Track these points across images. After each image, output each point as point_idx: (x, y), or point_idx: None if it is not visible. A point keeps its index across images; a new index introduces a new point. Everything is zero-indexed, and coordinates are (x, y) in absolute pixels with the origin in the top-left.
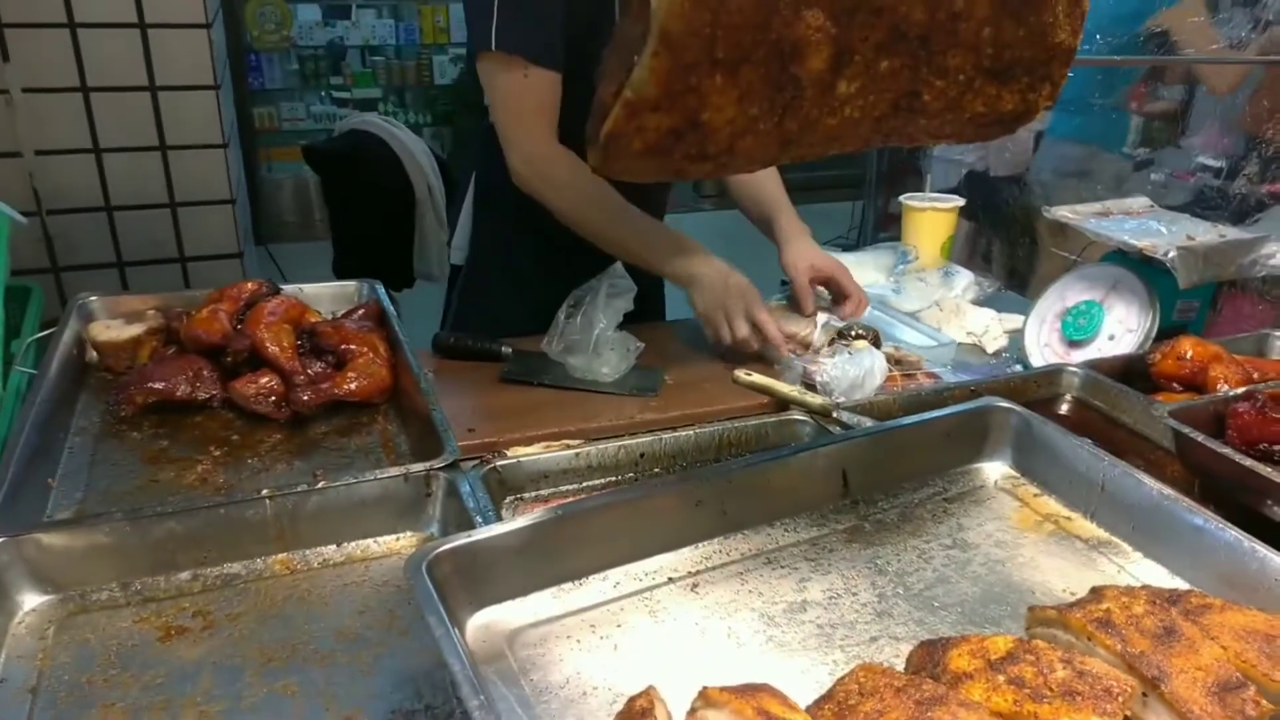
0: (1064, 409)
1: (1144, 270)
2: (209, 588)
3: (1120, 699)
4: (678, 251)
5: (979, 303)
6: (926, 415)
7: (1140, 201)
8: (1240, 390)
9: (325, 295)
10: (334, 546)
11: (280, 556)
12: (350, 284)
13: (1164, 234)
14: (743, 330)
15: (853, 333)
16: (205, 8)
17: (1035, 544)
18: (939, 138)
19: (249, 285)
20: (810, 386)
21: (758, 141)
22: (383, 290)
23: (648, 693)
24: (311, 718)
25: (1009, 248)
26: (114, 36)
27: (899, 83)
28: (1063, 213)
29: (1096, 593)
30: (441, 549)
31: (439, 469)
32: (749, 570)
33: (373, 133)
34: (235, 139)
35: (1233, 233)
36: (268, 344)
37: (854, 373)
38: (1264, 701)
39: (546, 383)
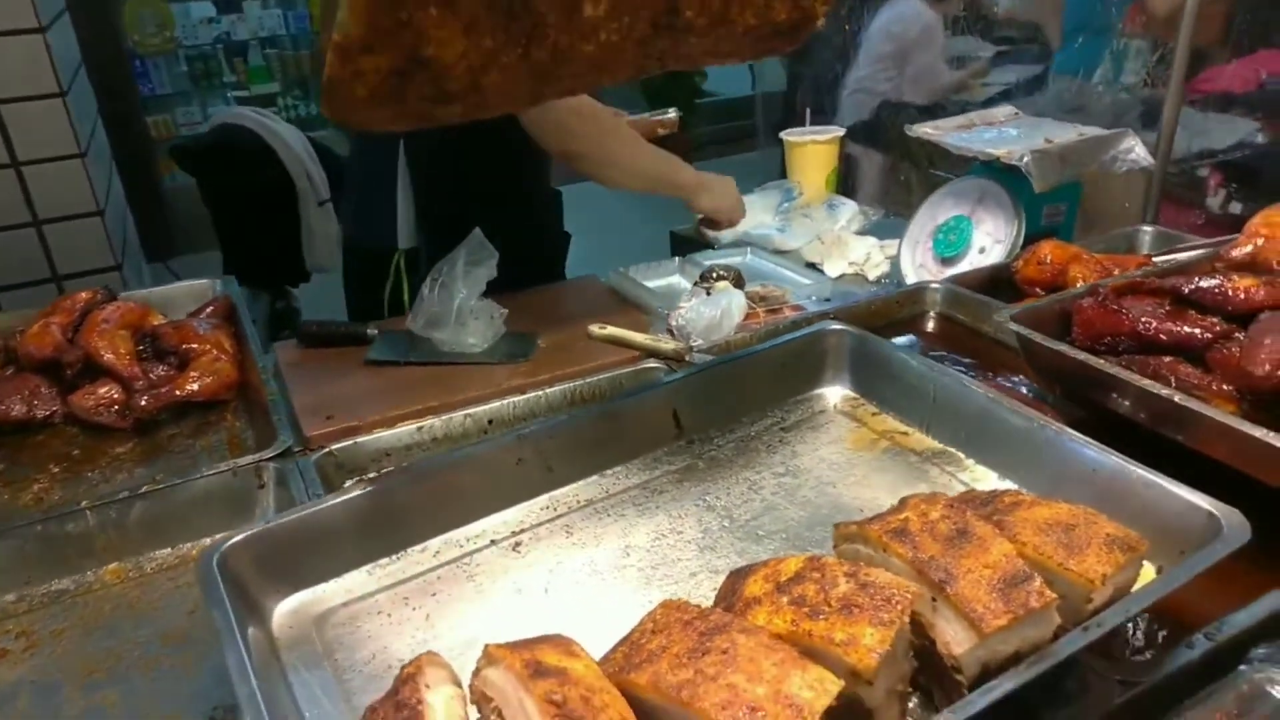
0: (929, 326)
1: (1007, 179)
2: (34, 607)
3: (899, 607)
4: (683, 167)
5: (864, 232)
6: (758, 346)
7: (1004, 110)
8: (1083, 287)
9: (178, 296)
10: (168, 550)
11: (111, 566)
12: (202, 282)
13: (1022, 140)
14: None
15: (714, 274)
16: (35, 11)
17: (869, 462)
18: (720, 57)
19: (83, 295)
20: (671, 334)
21: (506, 77)
22: (235, 285)
23: (417, 659)
24: None
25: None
26: None
27: (652, 0)
28: (924, 129)
29: (901, 503)
30: (235, 540)
31: (269, 459)
32: (574, 524)
33: (245, 125)
34: (103, 146)
35: (1091, 131)
36: (103, 352)
37: (710, 313)
38: (1048, 592)
39: (414, 360)
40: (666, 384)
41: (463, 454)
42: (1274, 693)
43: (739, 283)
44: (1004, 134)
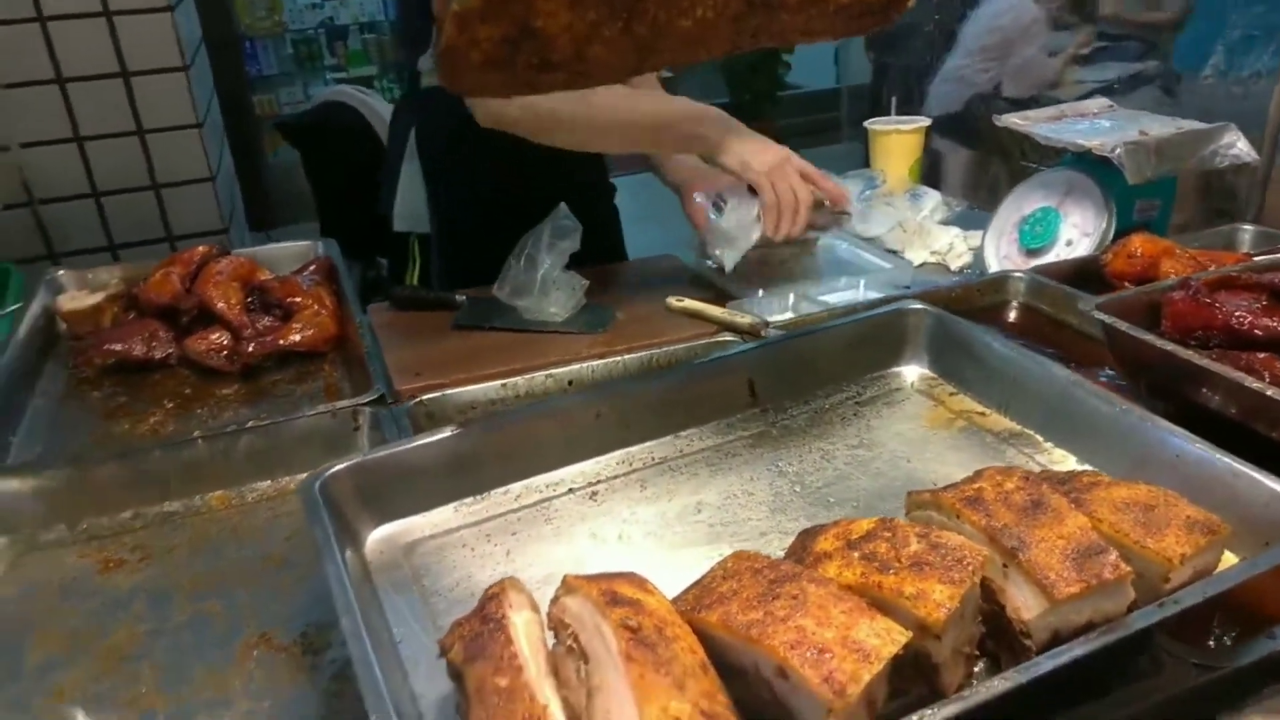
0: (1011, 316)
1: (1099, 171)
2: (149, 524)
3: (969, 567)
4: (689, 104)
5: (947, 222)
6: (835, 322)
7: (1099, 103)
8: (1174, 279)
9: (282, 256)
10: (268, 482)
11: (217, 494)
12: (305, 244)
13: (1115, 132)
14: (802, 189)
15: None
16: None
17: (944, 440)
18: (812, 35)
19: (200, 249)
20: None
21: (608, 49)
22: (337, 247)
23: (501, 582)
24: (231, 634)
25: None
26: (81, 27)
27: None
28: (1013, 119)
29: (977, 474)
30: (337, 468)
31: (365, 404)
32: (648, 479)
33: (346, 103)
34: (217, 120)
35: (1189, 124)
36: (216, 301)
37: (730, 224)
38: (1123, 565)
39: (498, 326)
40: (742, 353)
41: (545, 406)
42: None
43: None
44: (1096, 125)
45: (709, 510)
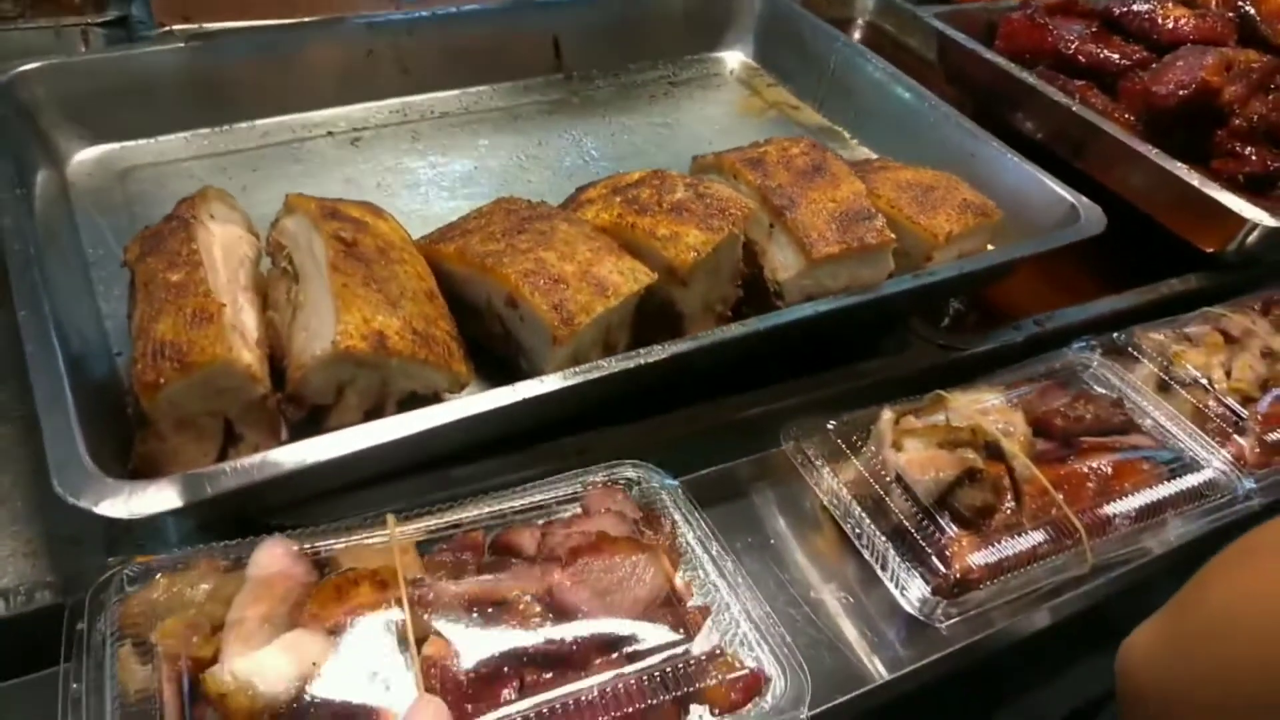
0: (856, 36)
1: None
2: None
3: (731, 219)
4: None
5: None
6: None
7: None
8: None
9: None
10: None
11: None
12: None
13: None
14: None
15: None
16: None
17: (751, 127)
18: None
19: None
20: None
21: None
22: None
23: (202, 190)
24: None
25: None
26: None
27: None
28: None
29: (766, 141)
30: (32, 65)
31: (97, 24)
32: (423, 132)
33: None
34: None
35: None
36: None
37: None
38: (888, 232)
39: None
40: (551, 4)
41: (306, 34)
42: (1084, 376)
43: None
44: None
45: (487, 172)
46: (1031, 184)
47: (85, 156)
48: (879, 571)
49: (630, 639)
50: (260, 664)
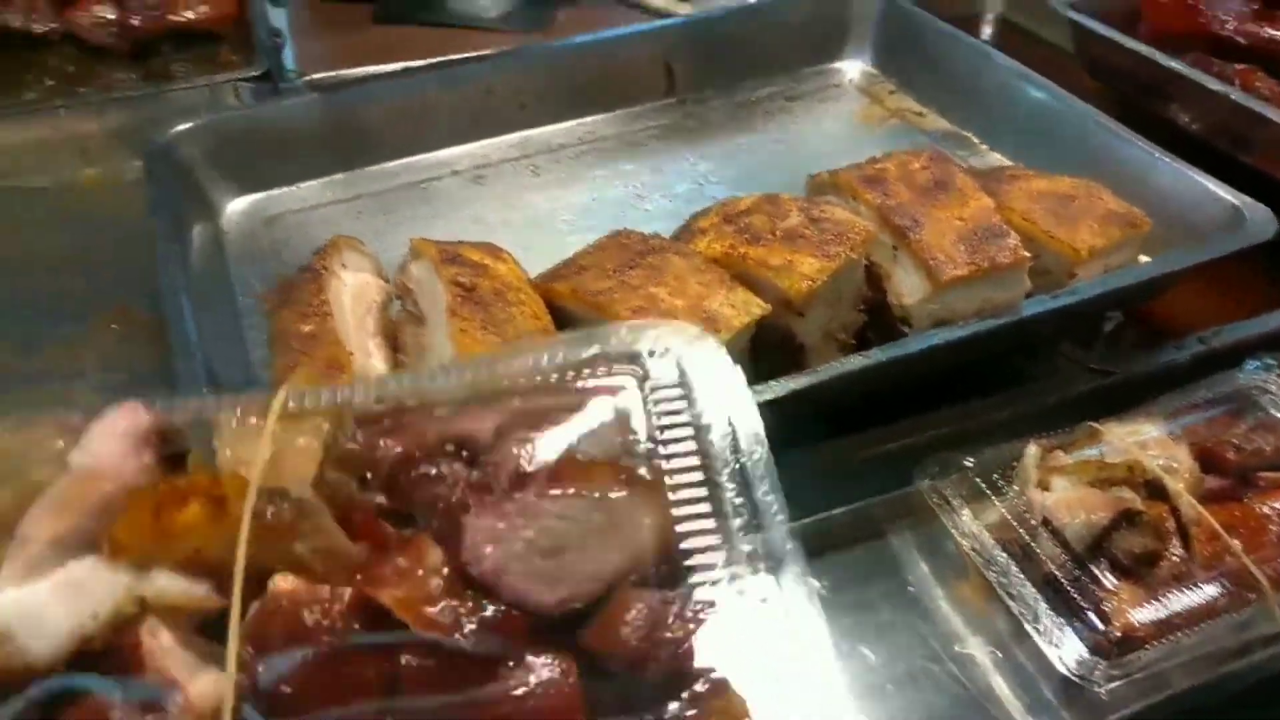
0: (985, 34)
1: None
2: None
3: (849, 243)
4: None
5: None
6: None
7: None
8: None
9: None
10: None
11: (88, 171)
12: None
13: None
14: None
15: None
16: None
17: (873, 138)
18: None
19: None
20: None
21: None
22: None
23: (335, 239)
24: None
25: None
26: None
27: None
28: None
29: (885, 155)
30: (186, 125)
31: (244, 80)
32: (543, 166)
33: None
34: None
35: None
36: None
37: None
38: (1022, 251)
39: (423, 20)
40: (659, 29)
41: (429, 76)
42: (1261, 400)
43: None
44: None
45: (603, 202)
46: (1186, 185)
47: (236, 208)
48: (1028, 626)
49: None
50: (23, 604)
